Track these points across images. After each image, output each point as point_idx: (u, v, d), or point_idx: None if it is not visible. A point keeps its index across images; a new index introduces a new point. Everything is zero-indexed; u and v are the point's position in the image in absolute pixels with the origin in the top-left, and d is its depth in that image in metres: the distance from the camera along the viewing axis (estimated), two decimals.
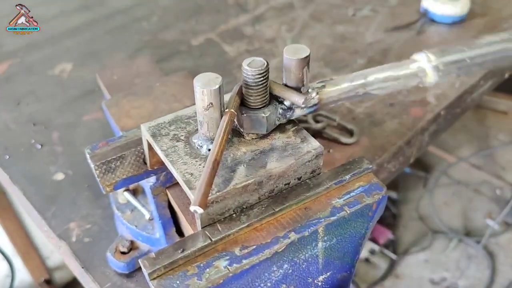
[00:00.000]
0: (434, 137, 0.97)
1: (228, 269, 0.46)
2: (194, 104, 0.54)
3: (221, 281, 0.46)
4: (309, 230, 0.50)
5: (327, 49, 1.13)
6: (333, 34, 1.18)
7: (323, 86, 0.54)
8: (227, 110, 0.49)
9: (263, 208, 0.51)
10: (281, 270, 0.50)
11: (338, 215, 0.51)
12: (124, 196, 0.72)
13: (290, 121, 0.55)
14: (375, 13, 1.26)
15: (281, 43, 1.15)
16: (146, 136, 0.55)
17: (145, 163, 0.59)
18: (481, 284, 1.90)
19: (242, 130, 0.53)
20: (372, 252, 2.00)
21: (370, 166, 0.55)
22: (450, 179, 2.26)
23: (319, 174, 0.54)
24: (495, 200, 2.16)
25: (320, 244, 0.51)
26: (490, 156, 2.31)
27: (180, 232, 0.67)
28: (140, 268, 0.69)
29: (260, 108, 0.51)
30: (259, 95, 0.49)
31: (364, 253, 1.98)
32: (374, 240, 2.00)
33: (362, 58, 1.09)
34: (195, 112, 0.54)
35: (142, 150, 0.58)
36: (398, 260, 1.99)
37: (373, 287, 1.93)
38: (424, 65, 0.57)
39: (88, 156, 0.57)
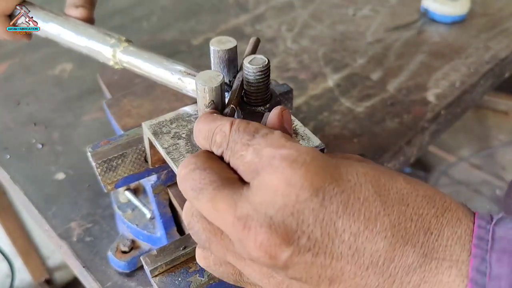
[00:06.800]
0: (435, 137, 0.97)
1: None
2: (195, 102, 0.55)
3: None
4: None
5: (327, 48, 1.13)
6: (333, 33, 1.18)
7: None
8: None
9: None
10: None
11: None
12: (125, 195, 0.72)
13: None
14: (375, 13, 1.26)
15: (281, 43, 1.15)
16: (147, 134, 0.55)
17: (147, 162, 0.59)
18: None
19: None
20: None
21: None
22: (450, 179, 2.26)
23: None
24: (495, 200, 2.16)
25: None
26: (490, 156, 2.31)
27: (181, 231, 0.67)
28: (141, 267, 0.69)
29: (261, 105, 0.51)
30: (260, 93, 0.49)
31: None
32: None
33: (362, 58, 1.09)
34: (196, 110, 0.54)
35: (143, 148, 0.58)
36: None
37: None
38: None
39: (89, 154, 0.57)
